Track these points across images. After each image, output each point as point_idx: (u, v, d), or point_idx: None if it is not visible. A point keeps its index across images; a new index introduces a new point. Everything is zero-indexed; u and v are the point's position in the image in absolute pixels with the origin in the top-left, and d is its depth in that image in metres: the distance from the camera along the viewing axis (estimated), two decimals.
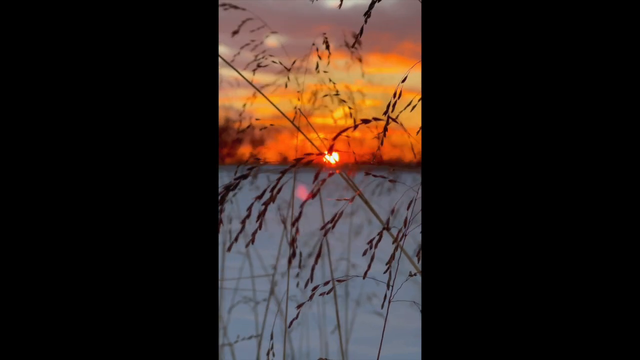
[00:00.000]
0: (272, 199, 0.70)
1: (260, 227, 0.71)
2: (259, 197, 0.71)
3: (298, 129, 0.84)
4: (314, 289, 0.74)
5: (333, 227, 0.71)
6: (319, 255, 0.71)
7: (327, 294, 0.73)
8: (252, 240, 0.71)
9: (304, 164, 0.71)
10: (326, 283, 0.75)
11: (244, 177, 0.72)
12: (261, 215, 0.71)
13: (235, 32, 1.15)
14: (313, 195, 0.70)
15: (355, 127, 0.73)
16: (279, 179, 0.70)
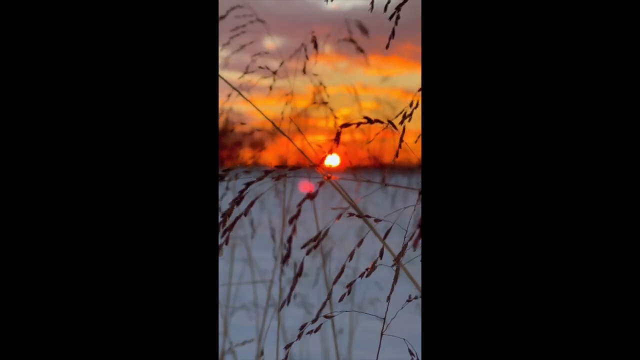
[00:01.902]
0: (245, 212, 0.69)
1: (226, 241, 0.70)
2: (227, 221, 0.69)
3: (284, 134, 0.83)
4: (302, 327, 0.72)
5: (316, 246, 0.69)
6: (301, 269, 0.70)
7: (315, 332, 0.72)
8: (226, 241, 0.70)
9: (294, 169, 0.70)
10: (314, 321, 0.73)
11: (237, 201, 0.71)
12: (227, 230, 0.70)
13: (222, 17, 1.14)
14: (312, 197, 0.69)
15: (338, 134, 0.72)
16: (242, 191, 0.68)
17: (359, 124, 0.72)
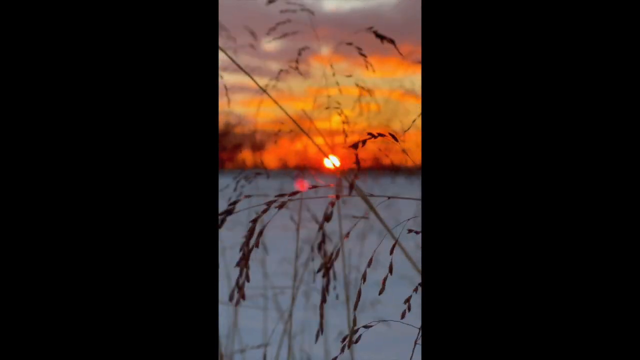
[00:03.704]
0: (256, 243, 0.69)
1: (247, 279, 0.70)
2: (248, 236, 0.70)
3: (308, 135, 0.83)
4: (344, 340, 0.74)
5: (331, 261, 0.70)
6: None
7: (356, 342, 0.73)
8: (242, 296, 0.71)
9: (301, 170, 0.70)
10: (356, 331, 0.74)
11: (232, 209, 0.71)
12: (244, 267, 0.70)
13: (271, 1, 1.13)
14: (328, 219, 0.70)
15: (360, 143, 0.72)
16: (255, 220, 0.69)
17: (364, 141, 0.73)
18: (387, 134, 0.74)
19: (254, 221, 0.70)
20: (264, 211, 0.70)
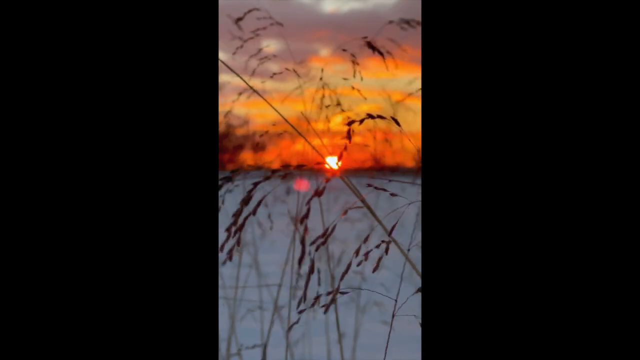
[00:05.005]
0: (254, 211, 0.69)
1: (238, 243, 0.70)
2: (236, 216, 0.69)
3: (302, 135, 0.83)
4: (317, 298, 0.73)
5: (325, 239, 0.69)
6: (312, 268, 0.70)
7: (330, 304, 0.72)
8: (230, 257, 0.70)
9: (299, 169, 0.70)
10: (329, 293, 0.73)
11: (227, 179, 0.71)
12: (238, 229, 0.69)
13: (239, 19, 1.13)
14: (320, 194, 0.69)
15: (358, 122, 0.72)
16: (250, 191, 0.69)
17: (362, 120, 0.73)
18: (388, 117, 0.74)
19: (255, 185, 0.70)
20: (267, 178, 0.70)
